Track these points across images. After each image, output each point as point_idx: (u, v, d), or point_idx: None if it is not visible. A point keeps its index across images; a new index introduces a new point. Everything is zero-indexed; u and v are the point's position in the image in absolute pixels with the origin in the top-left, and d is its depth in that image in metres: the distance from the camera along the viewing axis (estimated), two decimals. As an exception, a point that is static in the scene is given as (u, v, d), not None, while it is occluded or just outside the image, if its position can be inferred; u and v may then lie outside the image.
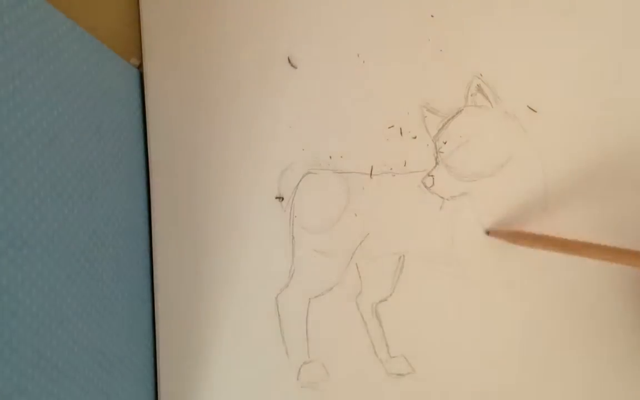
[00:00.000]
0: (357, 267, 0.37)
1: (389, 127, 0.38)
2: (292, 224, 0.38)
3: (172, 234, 0.39)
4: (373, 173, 0.38)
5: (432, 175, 0.37)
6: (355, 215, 0.38)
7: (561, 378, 0.36)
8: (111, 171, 0.36)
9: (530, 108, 0.36)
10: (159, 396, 0.38)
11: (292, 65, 0.39)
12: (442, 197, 0.37)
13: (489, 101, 0.37)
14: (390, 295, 0.37)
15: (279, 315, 0.38)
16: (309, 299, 0.38)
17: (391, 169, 0.38)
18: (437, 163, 0.37)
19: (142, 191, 0.40)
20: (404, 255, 0.37)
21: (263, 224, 0.38)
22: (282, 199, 0.38)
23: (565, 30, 0.37)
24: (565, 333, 0.36)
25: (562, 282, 0.36)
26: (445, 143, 0.37)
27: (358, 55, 0.38)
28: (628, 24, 0.37)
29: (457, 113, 0.37)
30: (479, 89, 0.37)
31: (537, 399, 0.36)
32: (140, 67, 0.41)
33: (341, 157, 0.38)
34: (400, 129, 0.38)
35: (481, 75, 0.37)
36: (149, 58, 0.40)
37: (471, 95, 0.37)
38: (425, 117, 0.38)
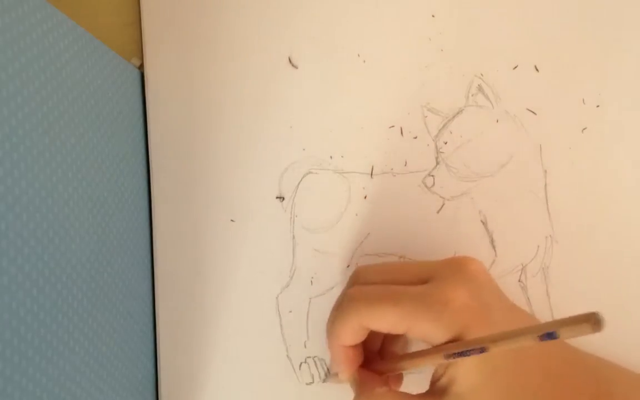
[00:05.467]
0: (358, 267, 0.37)
1: (390, 127, 0.38)
2: (293, 224, 0.38)
3: (173, 233, 0.39)
4: (374, 173, 0.38)
5: (432, 175, 0.37)
6: (356, 215, 0.38)
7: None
8: (112, 171, 0.36)
9: (530, 110, 0.36)
10: (159, 396, 0.38)
11: (292, 65, 0.39)
12: (442, 197, 0.37)
13: (490, 101, 0.37)
14: (391, 295, 0.37)
15: (279, 315, 0.38)
16: (310, 298, 0.38)
17: (392, 168, 0.38)
18: (437, 163, 0.37)
19: (142, 191, 0.40)
20: (404, 256, 0.37)
21: (263, 224, 0.38)
22: (283, 198, 0.38)
23: (566, 30, 0.37)
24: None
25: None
26: (445, 143, 0.37)
27: (359, 55, 0.38)
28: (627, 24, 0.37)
29: (458, 113, 0.37)
30: (480, 88, 0.37)
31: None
32: (141, 68, 0.41)
33: (342, 156, 0.38)
34: (401, 128, 0.38)
35: (482, 75, 0.37)
36: (150, 58, 0.40)
37: (472, 95, 0.37)
38: (426, 117, 0.38)
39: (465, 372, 0.27)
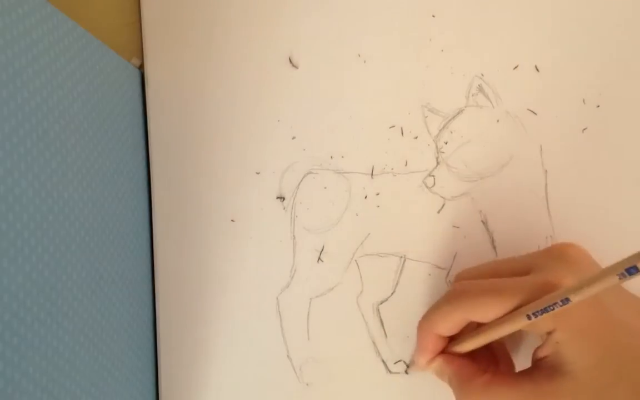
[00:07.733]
0: (358, 267, 0.37)
1: (390, 127, 0.38)
2: (293, 224, 0.38)
3: (173, 234, 0.39)
4: (374, 173, 0.38)
5: (433, 176, 0.37)
6: (357, 215, 0.38)
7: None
8: (112, 171, 0.36)
9: (530, 110, 0.36)
10: (159, 396, 0.38)
11: (293, 65, 0.39)
12: (443, 197, 0.37)
13: (490, 101, 0.37)
14: (392, 294, 0.37)
15: (280, 315, 0.38)
16: (310, 298, 0.38)
17: (392, 169, 0.38)
18: (438, 163, 0.37)
19: (142, 191, 0.40)
20: (404, 256, 0.37)
21: (264, 224, 0.38)
22: (283, 198, 0.38)
23: (566, 30, 0.37)
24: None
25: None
26: (446, 143, 0.37)
27: (359, 55, 0.38)
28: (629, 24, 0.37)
29: (459, 113, 0.37)
30: (480, 88, 0.37)
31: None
32: (141, 67, 0.41)
33: (342, 157, 0.38)
34: (401, 128, 0.38)
35: (482, 75, 0.37)
36: (150, 58, 0.40)
37: (472, 95, 0.37)
38: (427, 117, 0.38)
39: (576, 351, 0.26)
